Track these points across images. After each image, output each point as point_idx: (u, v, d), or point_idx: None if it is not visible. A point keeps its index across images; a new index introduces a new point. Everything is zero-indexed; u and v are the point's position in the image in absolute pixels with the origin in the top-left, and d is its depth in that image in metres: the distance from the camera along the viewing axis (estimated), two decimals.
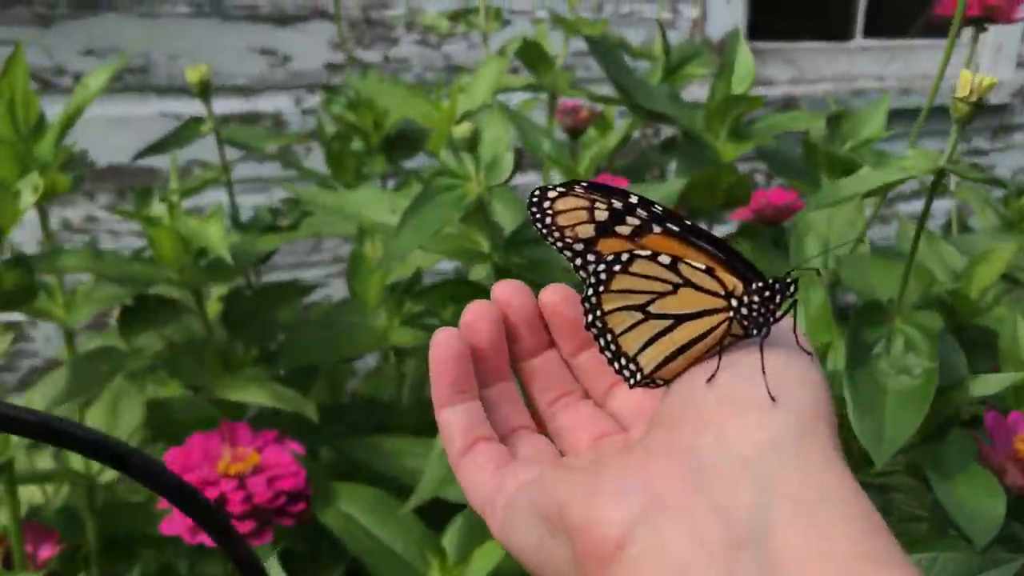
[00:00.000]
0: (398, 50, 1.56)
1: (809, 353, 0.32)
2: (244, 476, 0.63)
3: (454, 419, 0.34)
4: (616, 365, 0.33)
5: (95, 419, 0.81)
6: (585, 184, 0.33)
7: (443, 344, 0.33)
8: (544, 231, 0.34)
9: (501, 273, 0.63)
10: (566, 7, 1.39)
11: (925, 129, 0.62)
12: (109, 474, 0.79)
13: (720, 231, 1.89)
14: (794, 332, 0.33)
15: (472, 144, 0.56)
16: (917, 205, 2.28)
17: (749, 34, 1.95)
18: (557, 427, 0.36)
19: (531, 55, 0.87)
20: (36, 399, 0.65)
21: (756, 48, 1.98)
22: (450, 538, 0.64)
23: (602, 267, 0.32)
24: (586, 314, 0.33)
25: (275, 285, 0.88)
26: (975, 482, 0.59)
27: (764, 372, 0.29)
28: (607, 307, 0.33)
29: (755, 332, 0.32)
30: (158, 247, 0.69)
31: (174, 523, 0.60)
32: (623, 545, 0.26)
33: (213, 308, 0.86)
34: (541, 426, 0.36)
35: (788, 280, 0.31)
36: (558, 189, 0.33)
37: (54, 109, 1.43)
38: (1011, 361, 0.77)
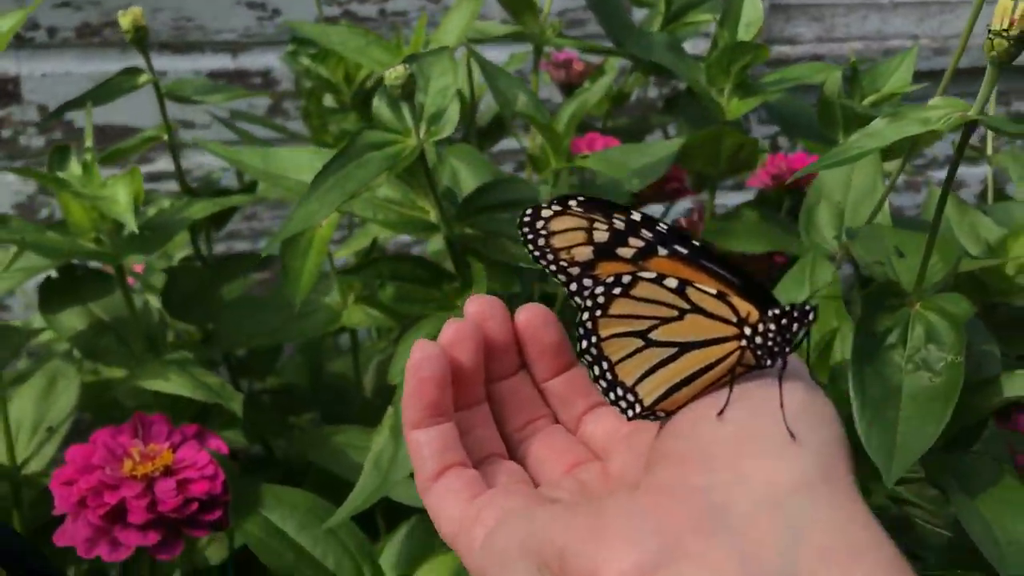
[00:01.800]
0: (395, 3, 1.47)
1: (822, 385, 0.30)
2: (152, 479, 0.54)
3: (426, 441, 0.32)
4: (611, 396, 0.31)
5: (25, 402, 0.73)
6: (582, 199, 0.31)
7: (424, 362, 0.31)
8: (537, 253, 0.32)
9: (451, 246, 0.54)
10: None
11: (954, 90, 0.52)
12: (34, 465, 0.71)
13: (732, 199, 1.78)
14: (807, 363, 0.31)
15: (408, 92, 0.47)
16: None
17: None
18: (526, 453, 0.34)
19: (515, 1, 0.78)
20: None
21: (780, 4, 1.86)
22: (389, 553, 0.56)
23: (600, 289, 0.30)
24: (580, 340, 0.31)
25: (230, 257, 0.79)
26: (1008, 499, 0.49)
27: (783, 407, 0.27)
28: (604, 333, 0.30)
29: (767, 363, 0.29)
30: (70, 214, 0.60)
31: (64, 535, 0.52)
32: None
33: (159, 281, 0.78)
34: (509, 452, 0.35)
35: (807, 308, 0.29)
36: (553, 207, 0.31)
37: (29, 67, 1.37)
38: None
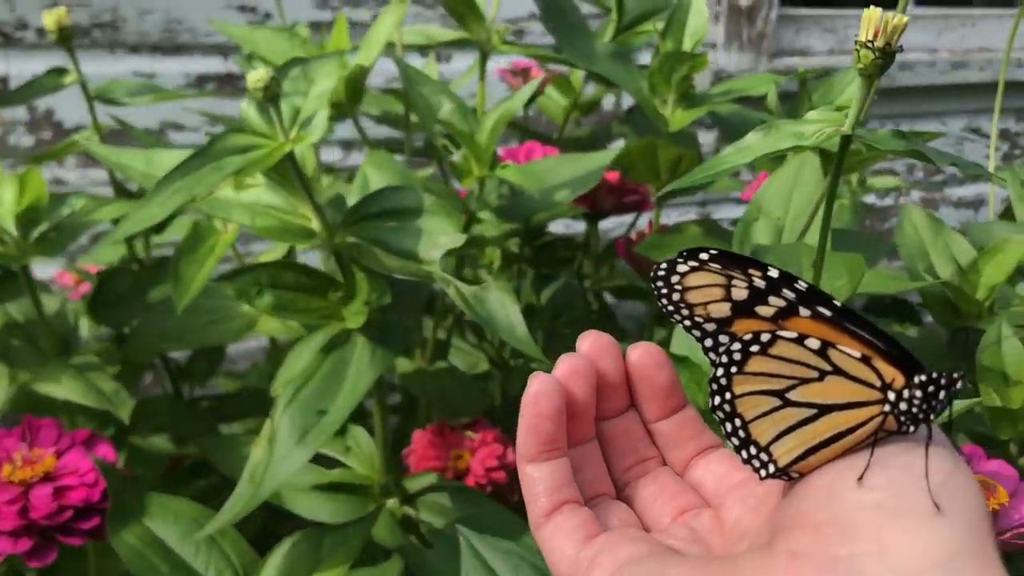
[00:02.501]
0: None
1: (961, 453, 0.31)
2: (29, 485, 0.53)
3: (540, 476, 0.31)
4: (744, 454, 0.30)
5: None
6: (715, 252, 0.30)
7: (542, 396, 0.31)
8: (671, 308, 0.31)
9: (337, 255, 0.53)
10: None
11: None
12: None
13: (735, 212, 1.75)
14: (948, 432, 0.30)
15: (271, 95, 0.45)
16: (971, 189, 2.11)
17: None
18: (634, 495, 0.34)
19: (457, 4, 0.76)
20: None
21: (791, 15, 1.83)
22: (271, 566, 0.54)
23: (738, 346, 0.30)
24: (712, 395, 0.30)
25: (163, 260, 0.79)
26: None
27: (928, 476, 0.27)
28: (739, 390, 0.30)
29: (909, 429, 0.29)
30: None
31: None
32: None
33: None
34: (616, 492, 0.34)
35: (954, 375, 0.28)
36: (690, 263, 0.31)
37: (18, 67, 1.38)
38: (992, 376, 0.64)
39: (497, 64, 0.98)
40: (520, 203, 0.71)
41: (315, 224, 0.51)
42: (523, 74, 0.92)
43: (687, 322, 0.32)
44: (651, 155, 0.73)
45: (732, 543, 0.31)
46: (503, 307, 0.48)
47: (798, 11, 1.84)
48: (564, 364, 0.32)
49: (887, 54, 0.39)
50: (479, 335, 0.88)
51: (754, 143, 0.43)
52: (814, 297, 0.30)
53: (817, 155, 0.72)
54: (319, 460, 0.65)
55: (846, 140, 0.42)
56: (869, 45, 0.39)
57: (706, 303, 0.31)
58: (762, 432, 0.30)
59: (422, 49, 0.88)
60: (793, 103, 0.76)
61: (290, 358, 0.54)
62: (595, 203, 0.93)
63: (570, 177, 0.70)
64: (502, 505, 0.63)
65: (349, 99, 0.70)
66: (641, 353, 0.33)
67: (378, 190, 0.54)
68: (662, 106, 0.76)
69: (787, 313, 0.30)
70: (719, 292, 0.31)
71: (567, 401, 0.32)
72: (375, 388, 0.59)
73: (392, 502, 0.63)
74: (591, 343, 0.33)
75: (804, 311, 0.30)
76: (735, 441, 0.31)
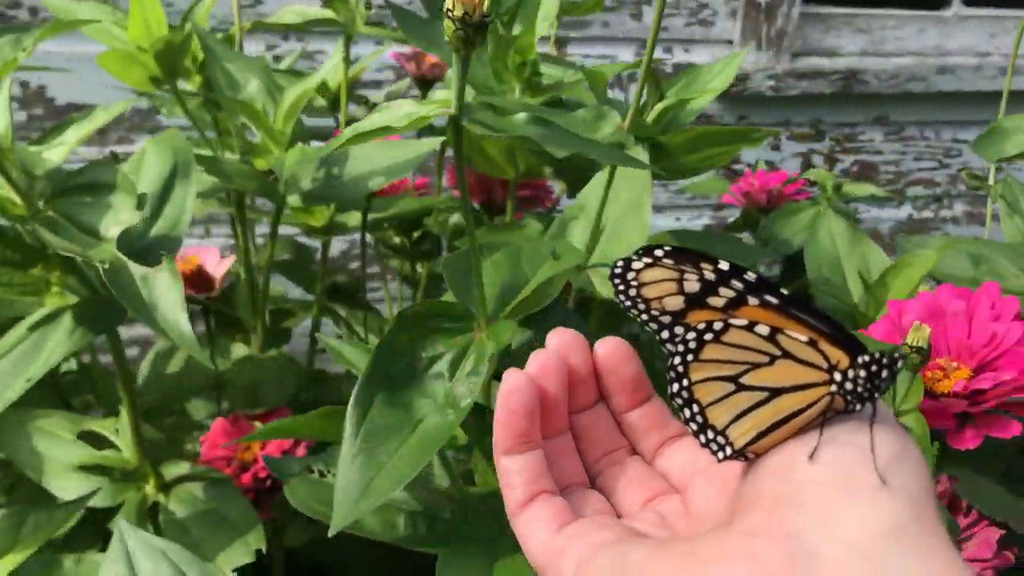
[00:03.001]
0: None
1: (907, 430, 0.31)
2: None
3: (516, 468, 0.33)
4: (702, 438, 0.32)
5: None
6: (669, 249, 0.32)
7: (514, 392, 0.33)
8: (629, 303, 0.33)
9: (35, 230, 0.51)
10: None
11: None
12: None
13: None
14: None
15: None
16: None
17: None
18: (605, 484, 0.35)
19: None
20: None
21: (818, 13, 1.73)
22: None
23: (692, 335, 0.32)
24: (670, 383, 0.32)
25: None
26: None
27: (873, 451, 0.28)
28: (695, 377, 0.32)
29: (856, 408, 0.30)
30: None
31: None
32: None
33: None
34: (589, 482, 0.36)
35: (895, 355, 0.30)
36: (644, 260, 0.32)
37: None
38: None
39: (401, 48, 0.95)
40: (333, 188, 0.68)
41: (15, 196, 0.50)
42: (416, 59, 0.89)
43: (644, 315, 0.33)
44: (478, 147, 0.69)
45: (696, 525, 0.32)
46: (169, 294, 0.45)
47: (827, 9, 1.74)
48: (535, 361, 0.34)
49: (469, 25, 0.35)
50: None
51: (373, 120, 0.39)
52: (762, 287, 0.31)
53: (647, 150, 0.66)
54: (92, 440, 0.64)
55: (455, 121, 0.38)
56: (450, 15, 0.35)
57: (661, 297, 0.32)
58: (718, 416, 0.31)
59: (291, 29, 0.86)
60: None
61: (8, 333, 0.53)
62: (490, 197, 0.89)
63: (387, 163, 0.67)
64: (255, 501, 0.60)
65: (165, 73, 0.68)
66: (609, 348, 0.35)
67: (84, 166, 0.52)
68: (508, 95, 0.72)
69: (737, 303, 0.32)
70: (673, 286, 0.32)
71: (540, 396, 0.33)
72: (121, 372, 0.57)
73: (149, 488, 0.61)
74: (560, 339, 0.34)
75: (752, 300, 0.31)
76: (693, 426, 0.32)
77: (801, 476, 0.28)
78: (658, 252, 0.32)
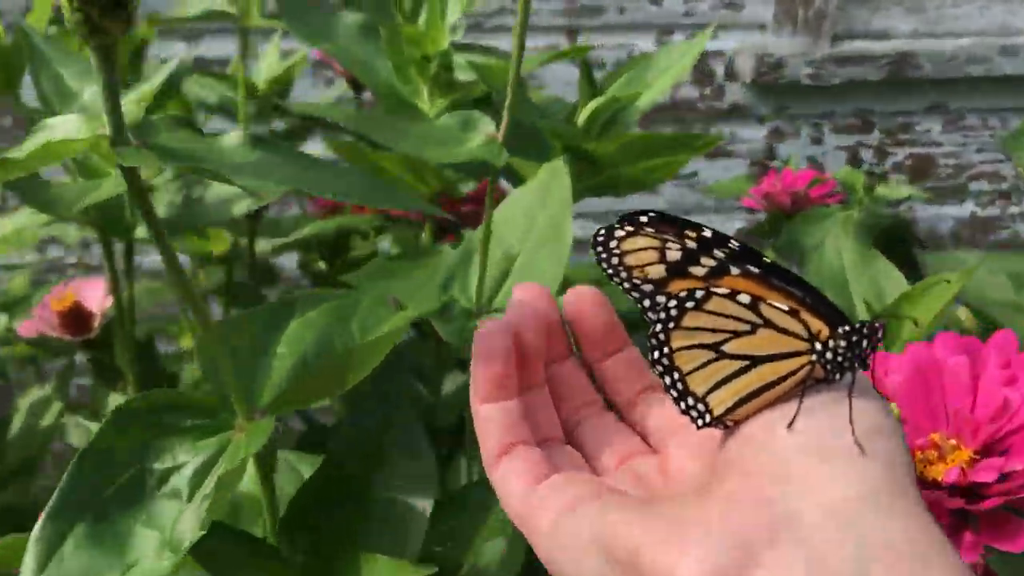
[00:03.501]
0: None
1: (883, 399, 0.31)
2: None
3: (494, 415, 0.32)
4: (682, 405, 0.32)
5: None
6: (654, 215, 0.32)
7: (491, 336, 0.32)
8: (611, 272, 0.33)
9: None
10: None
11: None
12: None
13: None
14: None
15: None
16: None
17: None
18: (581, 439, 0.35)
19: None
20: None
21: None
22: None
23: (673, 302, 0.31)
24: (651, 351, 0.32)
25: None
26: None
27: (851, 420, 0.29)
28: (676, 344, 0.32)
29: (836, 377, 0.30)
30: None
31: None
32: None
33: None
34: (565, 437, 0.36)
35: (876, 325, 0.31)
36: (626, 228, 0.32)
37: None
38: None
39: None
40: (192, 214, 0.57)
41: None
42: None
43: (626, 284, 0.32)
44: (370, 163, 0.57)
45: (673, 486, 0.32)
46: None
47: None
48: (512, 309, 0.33)
49: (93, 3, 0.23)
50: None
51: (25, 146, 0.27)
52: (744, 256, 0.31)
53: (567, 167, 0.53)
54: None
55: (115, 150, 0.26)
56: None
57: (643, 265, 0.32)
58: (698, 384, 0.31)
59: (186, 23, 0.75)
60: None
61: None
62: (457, 207, 0.77)
63: None
64: None
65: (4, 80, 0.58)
66: (578, 295, 0.34)
67: None
68: (414, 95, 0.59)
69: (719, 272, 0.32)
70: (655, 255, 0.32)
71: (518, 344, 0.33)
72: None
73: None
74: (525, 290, 0.34)
75: (734, 269, 0.31)
76: (674, 393, 0.32)
77: (780, 443, 0.29)
78: (642, 219, 0.32)
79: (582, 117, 0.55)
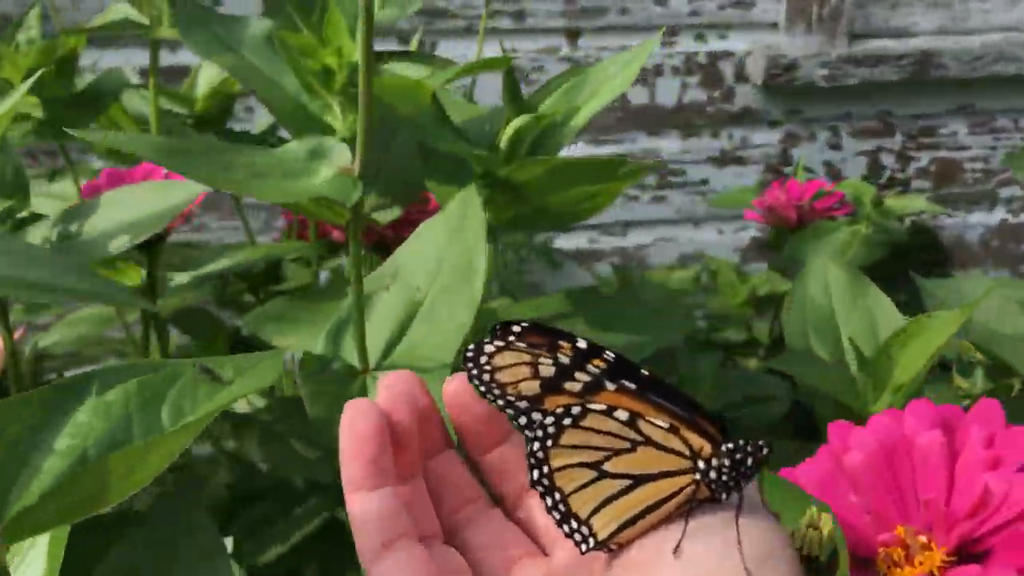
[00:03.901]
0: None
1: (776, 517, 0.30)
2: None
3: (371, 507, 0.30)
4: (566, 527, 0.31)
5: None
6: (525, 324, 0.31)
7: (359, 417, 0.30)
8: (484, 389, 0.31)
9: None
10: None
11: None
12: None
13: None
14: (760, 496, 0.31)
15: None
16: None
17: None
18: (464, 542, 0.33)
19: None
20: None
21: None
22: None
23: (550, 419, 0.30)
24: (531, 470, 0.31)
25: None
26: None
27: (740, 544, 0.28)
28: (556, 463, 0.30)
29: (723, 496, 0.29)
30: None
31: None
32: None
33: None
34: (445, 537, 0.33)
35: (760, 443, 0.30)
36: (496, 343, 0.31)
37: None
38: None
39: None
40: (73, 246, 0.50)
41: None
42: None
43: (500, 401, 0.31)
44: None
45: None
46: None
47: None
48: (381, 391, 0.31)
49: None
50: None
51: None
52: (620, 369, 0.31)
53: (492, 195, 0.46)
54: None
55: None
56: None
57: (516, 382, 0.31)
58: (581, 505, 0.30)
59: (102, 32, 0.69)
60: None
61: None
62: (380, 237, 0.70)
63: (138, 216, 0.49)
64: None
65: None
66: (458, 384, 0.32)
67: None
68: (324, 111, 0.52)
69: (594, 387, 0.31)
70: (528, 370, 0.31)
71: (391, 428, 0.31)
72: None
73: None
74: (393, 378, 0.32)
75: (610, 384, 0.31)
76: (556, 515, 0.31)
77: (666, 572, 0.28)
78: (514, 328, 0.31)
79: (503, 138, 0.48)
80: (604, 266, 1.46)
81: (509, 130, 0.47)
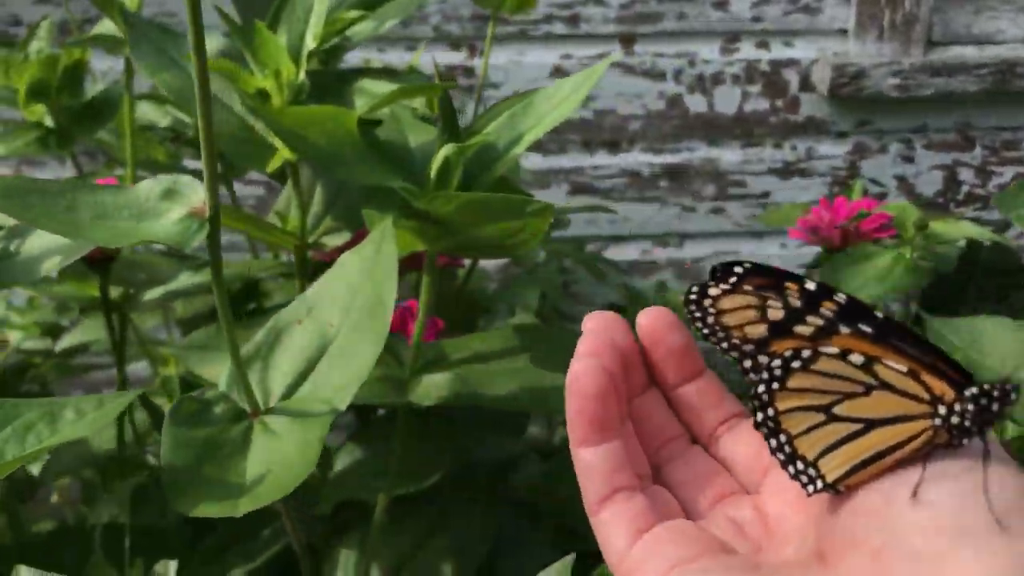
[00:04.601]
0: None
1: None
2: None
3: (595, 461, 0.31)
4: (791, 469, 0.30)
5: None
6: (748, 265, 0.31)
7: (582, 375, 0.31)
8: (707, 331, 0.32)
9: None
10: None
11: None
12: None
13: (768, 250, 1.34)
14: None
15: None
16: None
17: None
18: (669, 479, 0.33)
19: None
20: None
21: None
22: None
23: (778, 362, 0.30)
24: (755, 411, 0.31)
25: None
26: None
27: (986, 491, 0.26)
28: (781, 406, 0.30)
29: (963, 442, 0.28)
30: None
31: None
32: None
33: None
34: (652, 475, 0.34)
35: (1008, 386, 0.28)
36: (721, 286, 0.31)
37: None
38: None
39: None
40: (11, 266, 0.50)
41: None
42: None
43: (724, 344, 0.31)
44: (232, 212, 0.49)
45: (778, 544, 0.31)
46: None
47: None
48: (585, 342, 0.32)
49: None
50: None
51: None
52: (854, 312, 0.30)
53: (409, 222, 0.44)
54: None
55: None
56: None
57: (742, 325, 0.31)
58: (808, 448, 0.30)
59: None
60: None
61: None
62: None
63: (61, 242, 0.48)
64: None
65: None
66: (652, 317, 0.33)
67: None
68: (269, 132, 0.51)
69: (827, 331, 0.30)
70: (754, 314, 0.31)
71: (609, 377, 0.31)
72: None
73: None
74: (595, 319, 0.32)
75: (844, 328, 0.30)
76: (781, 456, 0.30)
77: (903, 519, 0.26)
78: (737, 269, 0.31)
79: (432, 168, 0.45)
80: (656, 279, 1.42)
81: (437, 159, 0.45)
